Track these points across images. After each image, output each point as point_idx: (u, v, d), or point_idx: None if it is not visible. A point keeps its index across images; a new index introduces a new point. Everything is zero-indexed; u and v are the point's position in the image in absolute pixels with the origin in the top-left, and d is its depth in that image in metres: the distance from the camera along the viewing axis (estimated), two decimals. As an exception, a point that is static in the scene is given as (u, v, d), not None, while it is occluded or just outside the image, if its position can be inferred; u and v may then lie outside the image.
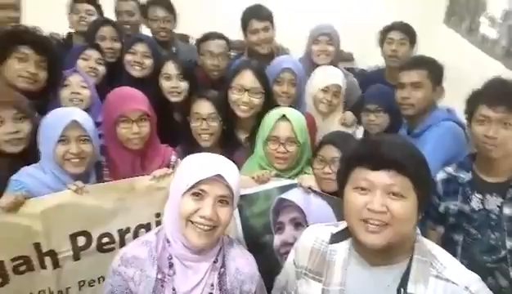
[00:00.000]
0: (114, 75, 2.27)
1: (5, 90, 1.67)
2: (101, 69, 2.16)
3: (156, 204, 1.55)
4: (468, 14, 4.06)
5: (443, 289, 0.97)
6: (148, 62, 2.23)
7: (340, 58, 2.57)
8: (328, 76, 2.19)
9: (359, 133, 2.37)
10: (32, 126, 1.59)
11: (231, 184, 1.14)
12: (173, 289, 1.17)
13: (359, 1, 4.64)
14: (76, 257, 1.52)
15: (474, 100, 1.55)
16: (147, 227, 1.57)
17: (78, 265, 1.52)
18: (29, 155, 1.58)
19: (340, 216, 1.44)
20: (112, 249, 1.55)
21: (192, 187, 1.12)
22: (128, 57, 2.23)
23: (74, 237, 1.50)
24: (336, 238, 1.12)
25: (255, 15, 2.46)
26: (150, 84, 2.12)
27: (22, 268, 1.45)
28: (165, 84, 2.07)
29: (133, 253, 1.21)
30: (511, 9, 3.39)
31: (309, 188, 1.54)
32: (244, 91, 1.87)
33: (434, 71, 1.93)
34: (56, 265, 1.49)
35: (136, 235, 1.56)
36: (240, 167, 1.83)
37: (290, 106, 1.94)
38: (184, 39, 3.10)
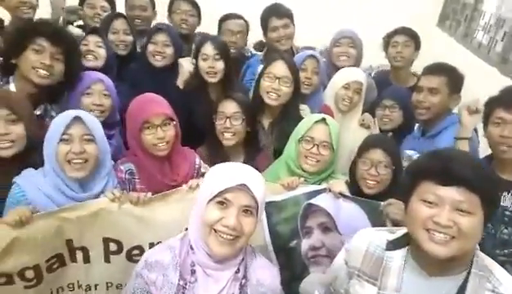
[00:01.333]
0: (126, 67, 2.29)
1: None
2: (102, 52, 2.12)
3: (186, 219, 1.52)
4: (463, 19, 4.18)
5: None
6: (169, 51, 2.25)
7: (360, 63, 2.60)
8: (350, 73, 2.22)
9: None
10: (26, 129, 1.49)
11: (256, 195, 1.13)
12: None
13: (353, 4, 4.70)
14: (107, 259, 1.52)
15: (491, 104, 1.64)
16: None
17: (108, 267, 1.52)
18: (26, 160, 1.50)
19: (375, 221, 1.48)
20: None
21: (217, 195, 1.12)
22: (150, 47, 2.25)
23: (106, 241, 1.50)
24: (393, 245, 1.14)
25: (275, 13, 2.52)
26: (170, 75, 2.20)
27: (55, 266, 1.45)
28: (202, 65, 2.14)
29: (157, 258, 1.20)
30: (506, 16, 3.51)
31: (339, 193, 1.56)
32: (276, 78, 1.97)
33: (454, 79, 1.99)
34: (86, 260, 1.50)
35: None
36: (261, 170, 1.85)
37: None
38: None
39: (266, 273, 1.24)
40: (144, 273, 1.18)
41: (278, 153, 1.94)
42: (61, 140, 1.42)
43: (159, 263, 1.18)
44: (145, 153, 1.63)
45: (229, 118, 1.85)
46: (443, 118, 1.99)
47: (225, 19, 2.64)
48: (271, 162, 1.90)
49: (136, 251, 1.52)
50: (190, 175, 1.71)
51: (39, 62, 1.69)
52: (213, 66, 2.13)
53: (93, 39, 2.11)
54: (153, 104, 1.62)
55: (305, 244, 1.59)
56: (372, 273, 1.14)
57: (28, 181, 1.44)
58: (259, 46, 2.76)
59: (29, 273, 1.38)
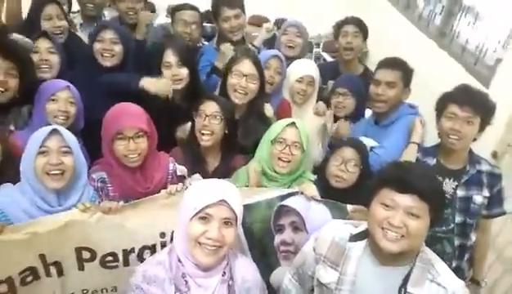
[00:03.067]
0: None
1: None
2: (54, 59, 2.04)
3: (161, 223, 1.59)
4: (405, -10, 4.31)
5: (435, 292, 1.19)
6: (118, 48, 2.16)
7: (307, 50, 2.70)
8: (302, 68, 2.32)
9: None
10: (2, 144, 1.50)
11: (235, 208, 1.24)
12: None
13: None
14: (81, 267, 1.55)
15: (446, 99, 1.81)
16: (152, 249, 1.60)
17: (82, 275, 1.56)
18: (2, 176, 1.51)
19: (334, 217, 1.63)
20: (115, 267, 1.58)
21: (199, 212, 1.22)
22: (97, 46, 2.14)
23: (79, 249, 1.52)
24: (355, 237, 1.32)
25: (226, 3, 2.49)
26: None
27: (29, 279, 1.47)
28: (166, 73, 2.10)
29: (154, 272, 1.28)
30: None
31: (312, 197, 1.67)
32: (243, 76, 2.03)
33: (407, 73, 2.14)
34: (60, 273, 1.53)
35: (140, 256, 1.59)
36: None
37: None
38: (150, 7, 3.09)
39: (248, 270, 1.37)
40: (144, 286, 1.26)
41: (245, 149, 2.02)
42: (39, 152, 1.45)
43: (156, 277, 1.27)
44: (117, 162, 1.64)
45: (208, 117, 1.87)
46: (395, 110, 2.14)
47: (179, 9, 2.57)
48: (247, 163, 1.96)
49: (109, 258, 1.56)
50: (163, 181, 1.74)
51: None
52: (176, 73, 2.10)
53: (44, 45, 2.00)
54: (127, 116, 1.62)
55: (277, 238, 1.71)
56: (335, 260, 1.31)
57: (5, 197, 1.45)
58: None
59: (3, 288, 1.40)
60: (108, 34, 2.13)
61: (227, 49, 2.37)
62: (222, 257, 1.28)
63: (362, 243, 1.30)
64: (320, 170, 1.91)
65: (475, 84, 2.95)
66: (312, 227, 1.57)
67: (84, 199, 1.57)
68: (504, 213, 1.89)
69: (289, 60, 2.44)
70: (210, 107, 1.89)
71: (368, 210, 1.28)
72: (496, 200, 1.84)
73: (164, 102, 2.06)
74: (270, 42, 2.72)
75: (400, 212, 1.18)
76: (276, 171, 1.82)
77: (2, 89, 1.67)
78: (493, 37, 2.91)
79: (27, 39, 1.94)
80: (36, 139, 1.46)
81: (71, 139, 1.52)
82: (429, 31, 3.67)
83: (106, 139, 1.63)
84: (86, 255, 1.53)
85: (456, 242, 1.86)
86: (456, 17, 3.41)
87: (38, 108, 1.79)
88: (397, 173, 1.23)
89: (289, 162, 1.80)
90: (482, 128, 1.77)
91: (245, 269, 1.37)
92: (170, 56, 2.09)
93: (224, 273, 1.30)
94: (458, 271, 1.85)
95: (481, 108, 1.74)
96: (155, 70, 2.12)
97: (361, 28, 2.66)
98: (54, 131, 1.47)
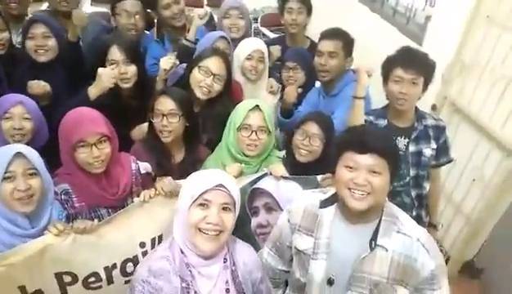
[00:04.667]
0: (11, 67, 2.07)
1: None
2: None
3: (139, 233, 1.56)
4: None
5: (402, 241, 1.29)
6: (50, 43, 2.06)
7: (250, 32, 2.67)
8: (250, 44, 2.32)
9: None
10: None
11: (232, 192, 1.28)
12: (195, 293, 1.29)
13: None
14: (63, 291, 1.48)
15: (390, 64, 1.89)
16: (135, 260, 1.56)
17: None
18: None
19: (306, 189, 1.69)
20: (99, 287, 1.53)
21: (197, 198, 1.25)
22: (29, 43, 2.03)
23: (59, 275, 1.45)
24: (325, 203, 1.41)
25: None
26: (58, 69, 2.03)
27: None
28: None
29: (159, 266, 1.29)
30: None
31: (281, 176, 1.71)
32: (211, 74, 1.98)
33: (348, 43, 2.22)
34: None
35: (123, 270, 1.55)
36: (203, 163, 1.92)
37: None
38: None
39: (247, 252, 1.42)
40: (151, 280, 1.26)
41: (209, 142, 2.01)
42: (4, 178, 1.37)
43: (162, 270, 1.27)
44: (80, 171, 1.57)
45: (166, 116, 1.82)
46: (341, 79, 2.23)
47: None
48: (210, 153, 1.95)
49: (92, 279, 1.51)
50: (129, 183, 1.69)
51: None
52: (125, 72, 2.00)
53: None
54: (87, 122, 1.54)
55: (254, 222, 1.74)
56: (309, 226, 1.40)
57: None
58: None
59: None
60: (38, 29, 2.03)
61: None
62: (222, 244, 1.31)
63: (332, 208, 1.39)
64: (287, 145, 1.94)
65: (409, 43, 3.13)
66: (286, 204, 1.59)
67: (54, 216, 1.50)
68: (450, 161, 2.06)
69: (234, 41, 2.42)
70: (166, 105, 1.83)
71: (333, 176, 1.36)
72: (442, 150, 2.00)
73: (114, 102, 1.97)
74: (211, 25, 2.66)
75: (363, 171, 1.27)
76: (245, 155, 1.84)
77: None
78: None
79: None
80: None
81: (36, 159, 1.43)
82: (361, -4, 3.79)
83: (66, 148, 1.54)
84: (67, 279, 1.47)
85: (413, 193, 2.01)
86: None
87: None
88: (355, 136, 1.33)
89: (256, 146, 1.82)
90: (425, 87, 1.88)
91: (245, 252, 1.41)
92: (116, 54, 1.99)
93: (225, 259, 1.34)
94: (418, 219, 2.02)
95: (423, 68, 1.84)
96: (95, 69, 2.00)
97: (305, 4, 2.69)
98: (17, 154, 1.38)
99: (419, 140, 1.95)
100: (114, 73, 1.96)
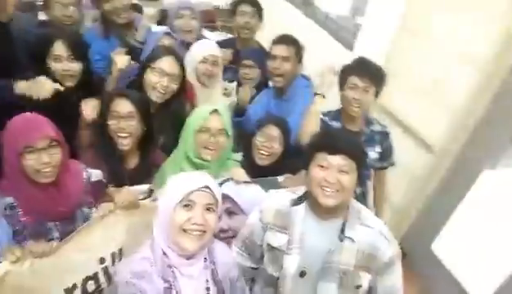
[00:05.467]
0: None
1: None
2: None
3: (97, 248, 1.47)
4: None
5: (366, 232, 1.42)
6: None
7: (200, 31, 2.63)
8: (204, 47, 2.28)
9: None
10: None
11: (216, 194, 1.32)
12: (177, 293, 1.29)
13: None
14: None
15: (347, 72, 2.02)
16: (95, 277, 1.48)
17: None
18: None
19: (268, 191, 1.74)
20: None
21: (183, 199, 1.27)
22: None
23: None
24: (296, 202, 1.49)
25: None
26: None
27: None
28: (56, 67, 1.83)
29: (141, 268, 1.27)
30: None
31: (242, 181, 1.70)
32: (165, 75, 1.93)
33: (299, 49, 2.29)
34: None
35: (85, 289, 1.47)
36: (160, 165, 1.86)
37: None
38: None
39: (225, 251, 1.46)
40: (135, 281, 1.24)
41: (164, 145, 1.93)
42: None
43: (145, 272, 1.26)
44: (26, 180, 1.41)
45: (123, 118, 1.71)
46: (293, 84, 2.29)
47: None
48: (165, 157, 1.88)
49: None
50: (80, 192, 1.56)
51: None
52: (68, 69, 1.83)
53: None
54: (35, 126, 1.40)
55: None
56: (282, 224, 1.47)
57: None
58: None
59: None
60: None
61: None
62: (206, 243, 1.33)
63: (303, 206, 1.47)
64: (245, 148, 1.96)
65: (340, 48, 3.39)
66: (249, 207, 1.62)
67: (3, 239, 1.33)
68: (393, 164, 2.23)
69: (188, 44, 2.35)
70: (124, 107, 1.73)
71: (306, 175, 1.44)
72: (386, 154, 2.16)
73: (55, 102, 1.78)
74: (160, 22, 2.57)
75: (334, 171, 1.37)
76: (203, 159, 1.81)
77: None
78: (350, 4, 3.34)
79: None
80: None
81: None
82: (294, 1, 3.97)
83: (11, 156, 1.37)
84: None
85: (358, 191, 2.15)
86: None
87: None
88: (328, 139, 1.44)
89: (215, 149, 1.79)
90: (376, 95, 2.02)
91: (223, 251, 1.44)
92: (61, 49, 1.81)
93: (205, 258, 1.36)
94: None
95: (376, 78, 1.99)
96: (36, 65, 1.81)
97: (258, 8, 2.72)
98: None
99: (366, 144, 2.07)
100: (54, 87, 1.78)
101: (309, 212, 1.46)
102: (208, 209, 1.30)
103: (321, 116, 2.08)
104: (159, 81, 1.93)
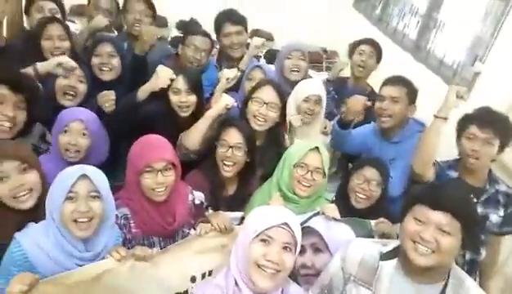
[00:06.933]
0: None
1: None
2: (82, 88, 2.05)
3: (191, 267, 1.55)
4: (377, 3, 4.49)
5: None
6: (115, 62, 2.20)
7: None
8: (309, 87, 2.33)
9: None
10: (40, 177, 1.46)
11: (296, 233, 1.28)
12: None
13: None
14: None
15: (466, 120, 1.86)
16: None
17: None
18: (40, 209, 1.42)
19: (358, 234, 1.65)
20: None
21: (261, 233, 1.25)
22: (95, 60, 2.18)
23: None
24: (386, 256, 1.35)
25: (229, 19, 2.52)
26: (118, 87, 2.11)
27: None
28: (174, 98, 2.06)
29: None
30: (418, 4, 3.88)
31: (333, 217, 1.67)
32: (264, 103, 2.04)
33: (412, 90, 2.19)
34: None
35: None
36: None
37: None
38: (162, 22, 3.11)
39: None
40: None
41: (263, 177, 2.01)
42: (67, 198, 1.35)
43: None
44: (142, 197, 1.58)
45: (232, 148, 1.84)
46: (403, 127, 2.20)
47: (193, 33, 2.51)
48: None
49: None
50: (186, 214, 1.68)
51: (1, 113, 1.53)
52: (185, 101, 2.05)
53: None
54: (156, 149, 1.57)
55: (298, 261, 1.65)
56: (367, 279, 1.34)
57: (29, 239, 1.35)
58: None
59: None
60: (105, 48, 2.16)
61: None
62: (279, 284, 1.30)
63: (393, 261, 1.33)
64: (340, 189, 1.93)
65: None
66: (336, 247, 1.56)
67: (110, 243, 1.48)
68: None
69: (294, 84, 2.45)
70: (234, 137, 1.86)
71: (401, 226, 1.32)
72: (508, 219, 1.91)
73: (167, 117, 2.05)
74: (270, 58, 2.74)
75: (432, 228, 1.22)
76: (295, 194, 1.82)
77: (11, 125, 1.58)
78: (468, 50, 3.12)
79: None
80: (63, 182, 1.36)
81: (100, 182, 1.41)
82: (404, 44, 3.85)
83: (133, 172, 1.56)
84: None
85: (467, 257, 1.93)
86: (432, 32, 3.61)
87: (54, 137, 1.75)
88: (430, 190, 1.30)
89: (309, 186, 1.80)
90: (501, 149, 1.84)
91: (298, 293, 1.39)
92: (180, 83, 2.04)
93: None
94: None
95: (500, 129, 1.81)
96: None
97: (377, 50, 2.75)
98: (83, 176, 1.37)
99: (487, 204, 1.89)
100: (172, 74, 2.02)
101: (399, 271, 1.31)
102: (285, 248, 1.27)
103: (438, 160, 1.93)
104: (257, 109, 2.04)
